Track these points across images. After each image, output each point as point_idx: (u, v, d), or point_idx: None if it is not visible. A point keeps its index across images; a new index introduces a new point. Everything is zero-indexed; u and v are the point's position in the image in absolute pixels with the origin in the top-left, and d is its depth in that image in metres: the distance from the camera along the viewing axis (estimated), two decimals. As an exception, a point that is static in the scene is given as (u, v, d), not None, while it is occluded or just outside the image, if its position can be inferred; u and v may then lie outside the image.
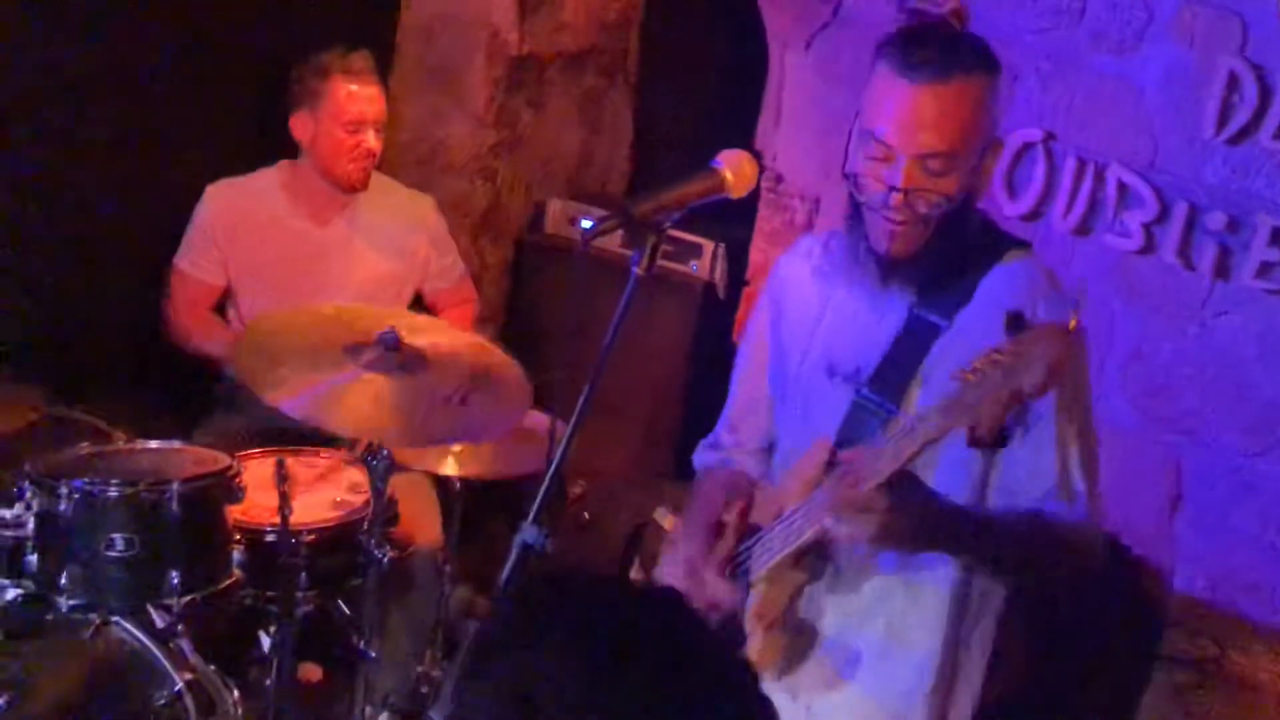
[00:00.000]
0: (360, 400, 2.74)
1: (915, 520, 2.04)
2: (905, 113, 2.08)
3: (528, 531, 1.92)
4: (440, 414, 2.78)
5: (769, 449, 2.49)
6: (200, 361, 3.76)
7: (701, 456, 2.62)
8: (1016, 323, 1.84)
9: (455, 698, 1.27)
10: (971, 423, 1.84)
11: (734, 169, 2.04)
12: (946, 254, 2.16)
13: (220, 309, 3.81)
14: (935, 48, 2.09)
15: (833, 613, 2.25)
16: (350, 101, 3.63)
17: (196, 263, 3.72)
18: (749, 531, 2.30)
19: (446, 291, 3.98)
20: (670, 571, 2.37)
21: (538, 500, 1.94)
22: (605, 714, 1.21)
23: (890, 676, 2.26)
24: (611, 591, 1.38)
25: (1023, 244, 2.25)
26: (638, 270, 1.99)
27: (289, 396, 2.73)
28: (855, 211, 2.19)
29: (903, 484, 1.99)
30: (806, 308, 2.35)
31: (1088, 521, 2.16)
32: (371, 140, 3.67)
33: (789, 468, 2.29)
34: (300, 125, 3.68)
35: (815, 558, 2.21)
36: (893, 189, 2.09)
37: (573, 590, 1.33)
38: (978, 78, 2.10)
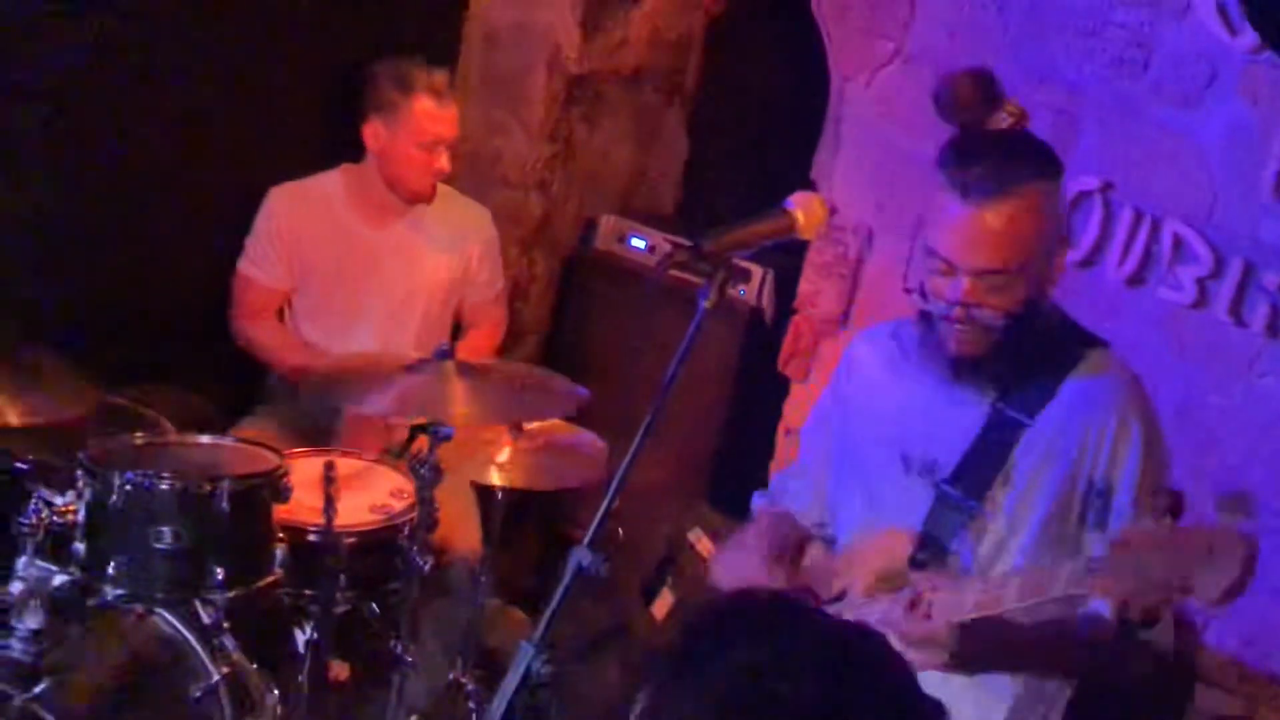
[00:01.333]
0: (438, 393, 2.98)
1: (980, 652, 2.06)
2: (962, 232, 2.10)
3: (582, 554, 1.95)
4: (506, 396, 3.10)
5: (823, 522, 2.53)
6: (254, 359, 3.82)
7: (758, 503, 2.66)
8: (1176, 504, 1.79)
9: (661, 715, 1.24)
10: (1122, 599, 1.81)
11: (806, 211, 2.08)
12: (1022, 353, 2.18)
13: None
14: (988, 164, 2.09)
15: None
16: (430, 121, 3.65)
17: (261, 266, 3.76)
18: (803, 590, 2.34)
19: (480, 306, 4.00)
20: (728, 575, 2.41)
21: (594, 525, 1.96)
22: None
23: None
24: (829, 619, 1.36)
25: (1101, 342, 2.27)
26: (706, 304, 2.03)
27: (375, 402, 3.01)
28: (925, 317, 2.22)
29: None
30: (877, 396, 2.38)
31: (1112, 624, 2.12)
32: (444, 160, 3.69)
33: (857, 547, 2.32)
34: (373, 133, 3.69)
35: None
36: (954, 303, 2.12)
37: (800, 607, 1.33)
38: (1034, 189, 2.10)
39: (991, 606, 1.99)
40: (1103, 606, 2.06)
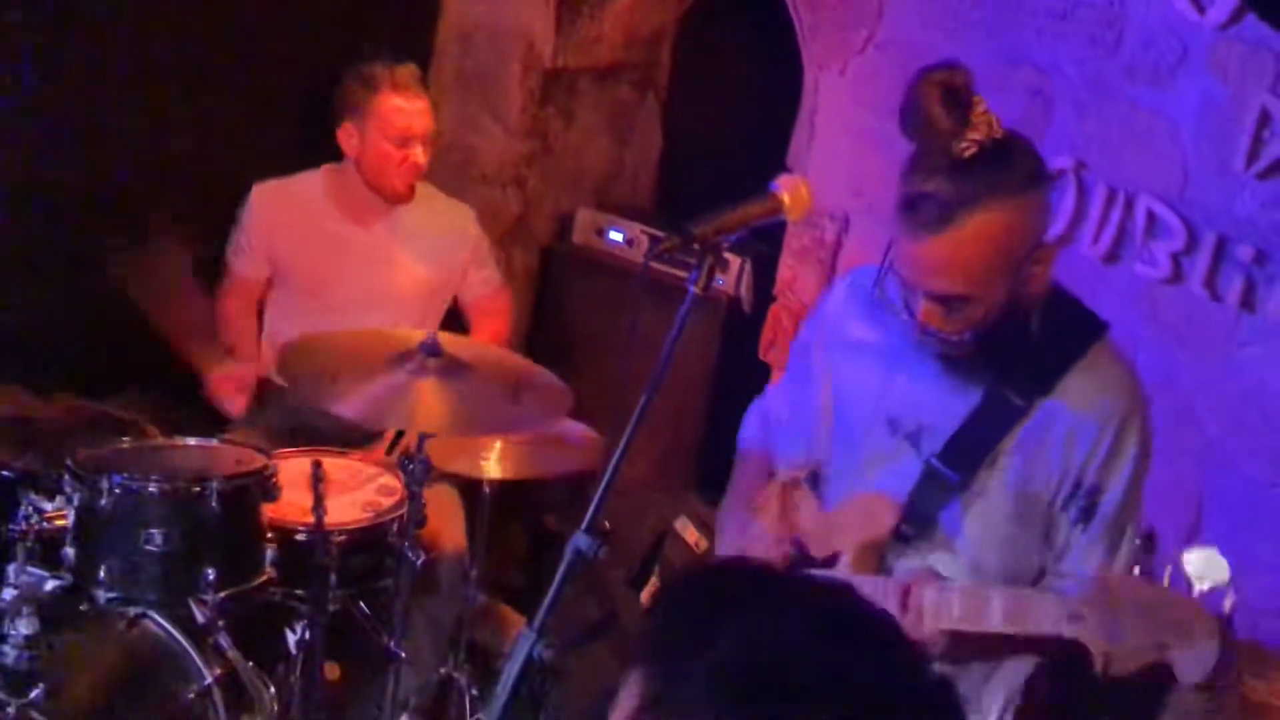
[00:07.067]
0: (417, 399, 2.89)
1: (968, 651, 2.12)
2: (912, 259, 2.09)
3: (580, 539, 1.97)
4: (494, 408, 2.98)
5: (810, 461, 2.54)
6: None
7: (749, 432, 2.68)
8: (1150, 543, 1.86)
9: (665, 696, 1.20)
10: (1104, 653, 1.85)
11: (792, 193, 2.11)
12: (1029, 336, 2.19)
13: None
14: (934, 194, 2.02)
15: None
16: (398, 116, 3.65)
17: (242, 259, 3.80)
18: (792, 541, 2.36)
19: (482, 301, 4.02)
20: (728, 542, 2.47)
21: (591, 508, 1.98)
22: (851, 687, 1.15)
23: None
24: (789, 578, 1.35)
25: (1101, 329, 2.26)
26: (695, 290, 2.06)
27: (349, 403, 2.89)
28: None
29: None
30: (863, 353, 2.36)
31: None
32: (419, 154, 3.69)
33: (843, 506, 2.34)
34: (347, 137, 3.70)
35: None
36: (916, 318, 2.13)
37: (763, 575, 1.31)
38: (987, 214, 2.02)
39: (974, 623, 2.03)
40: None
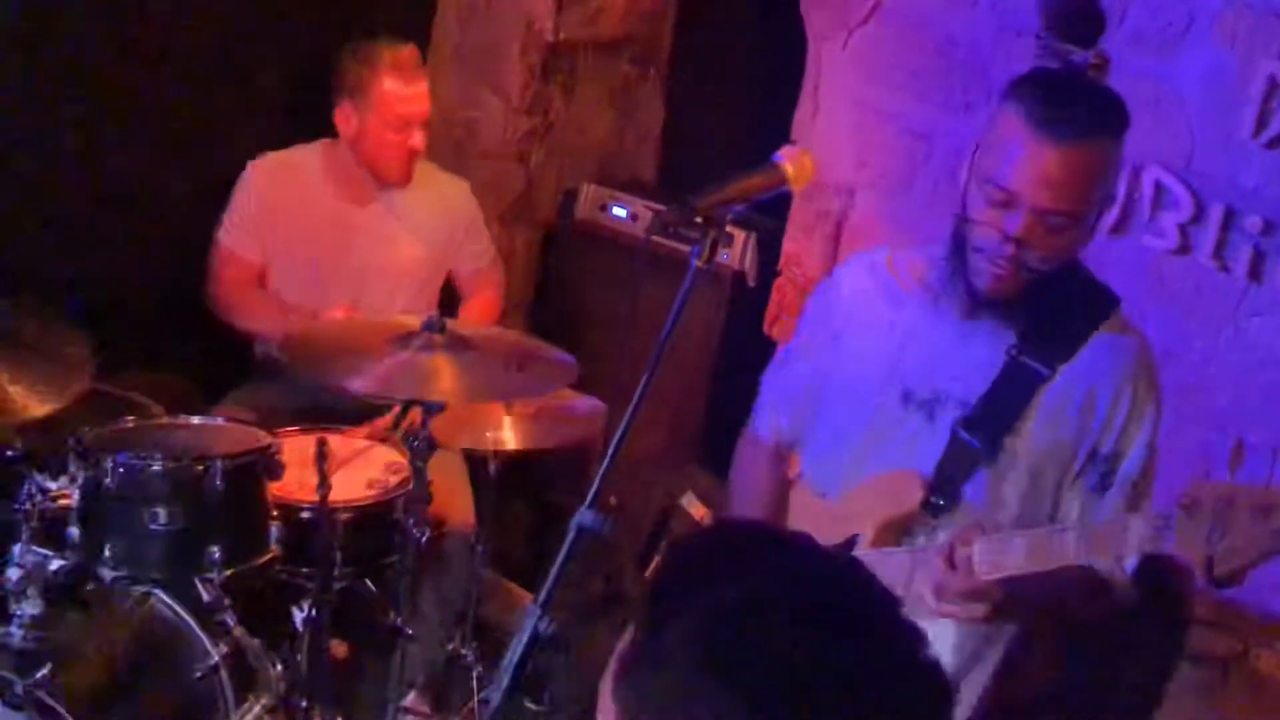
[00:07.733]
0: (429, 371, 2.94)
1: (1021, 606, 2.10)
2: (1038, 168, 2.07)
3: (585, 515, 1.95)
4: (502, 376, 3.05)
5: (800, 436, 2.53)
6: (232, 335, 3.80)
7: (749, 450, 2.64)
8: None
9: (645, 652, 1.18)
10: (1207, 557, 1.80)
11: (795, 164, 2.10)
12: (1048, 303, 2.18)
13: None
14: (1078, 106, 2.09)
15: None
16: (398, 101, 3.61)
17: (239, 239, 3.74)
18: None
19: (474, 275, 4.00)
20: None
21: (595, 484, 1.97)
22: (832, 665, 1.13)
23: None
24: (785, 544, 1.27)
25: (1116, 300, 2.29)
26: (698, 263, 2.05)
27: (362, 379, 2.92)
28: (959, 250, 2.20)
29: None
30: (875, 328, 2.35)
31: (1130, 577, 2.22)
32: (417, 139, 3.66)
33: (857, 489, 2.32)
34: (344, 118, 3.66)
35: None
36: (1007, 237, 2.10)
37: (780, 538, 1.27)
38: (1111, 140, 2.11)
39: (1046, 561, 2.00)
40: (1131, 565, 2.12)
